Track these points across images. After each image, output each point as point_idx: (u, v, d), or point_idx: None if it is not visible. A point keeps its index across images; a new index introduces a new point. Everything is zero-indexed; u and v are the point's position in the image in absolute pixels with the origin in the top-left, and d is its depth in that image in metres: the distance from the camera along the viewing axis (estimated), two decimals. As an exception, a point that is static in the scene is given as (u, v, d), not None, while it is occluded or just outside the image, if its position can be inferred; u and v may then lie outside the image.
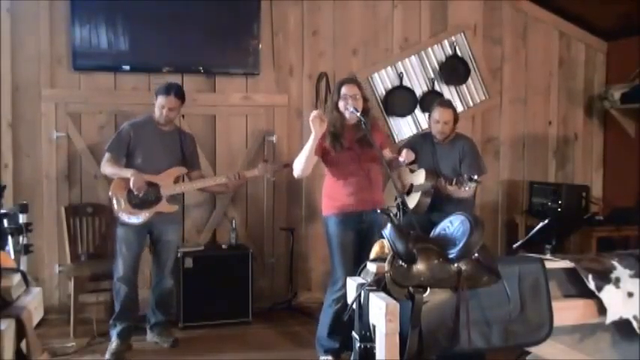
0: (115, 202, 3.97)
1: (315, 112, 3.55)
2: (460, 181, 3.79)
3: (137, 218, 3.96)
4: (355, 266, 3.70)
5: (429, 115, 4.36)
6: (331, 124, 3.66)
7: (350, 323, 2.45)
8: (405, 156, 3.68)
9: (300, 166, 3.68)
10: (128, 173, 3.93)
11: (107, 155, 4.06)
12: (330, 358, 3.75)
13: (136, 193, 3.91)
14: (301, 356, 3.97)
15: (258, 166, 4.29)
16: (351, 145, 3.71)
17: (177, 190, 4.13)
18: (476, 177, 3.76)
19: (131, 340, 4.06)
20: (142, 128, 4.07)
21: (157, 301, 4.22)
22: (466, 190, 3.86)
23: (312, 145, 3.57)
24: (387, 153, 3.85)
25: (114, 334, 3.98)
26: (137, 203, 3.96)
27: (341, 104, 3.66)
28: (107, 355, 3.89)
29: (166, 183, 4.03)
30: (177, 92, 4.05)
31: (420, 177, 4.16)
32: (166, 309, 4.26)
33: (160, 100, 4.02)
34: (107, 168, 4.05)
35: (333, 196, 3.75)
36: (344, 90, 3.68)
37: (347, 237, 3.70)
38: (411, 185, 4.23)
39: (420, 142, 4.38)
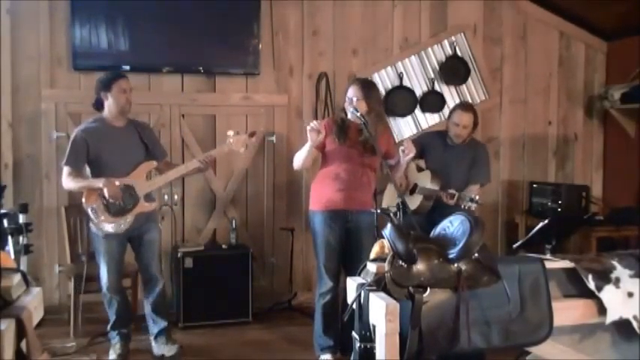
0: (92, 215, 3.75)
1: (313, 123, 3.60)
2: (462, 198, 3.84)
3: (121, 226, 3.77)
4: (341, 264, 3.75)
5: (449, 116, 4.31)
6: (340, 118, 3.78)
7: (350, 323, 2.45)
8: (407, 146, 3.62)
9: (299, 161, 3.78)
10: (100, 183, 3.70)
11: (66, 170, 3.79)
12: (329, 357, 3.76)
13: (113, 201, 3.72)
14: (301, 356, 3.97)
15: (226, 142, 3.94)
16: (354, 144, 3.73)
17: (154, 187, 3.94)
18: (477, 198, 3.80)
19: (131, 342, 4.04)
20: (97, 132, 3.82)
21: (153, 308, 4.03)
22: (466, 207, 3.88)
23: (309, 150, 3.67)
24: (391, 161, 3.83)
25: (114, 336, 3.96)
26: (116, 210, 3.76)
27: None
28: (112, 356, 3.88)
29: (139, 182, 3.84)
30: (124, 74, 3.96)
31: (425, 178, 4.15)
32: (165, 312, 4.10)
33: (119, 84, 3.79)
34: (71, 183, 3.80)
35: (320, 190, 3.78)
36: (348, 91, 3.75)
37: (332, 235, 3.73)
38: (415, 185, 4.23)
39: (433, 139, 4.36)
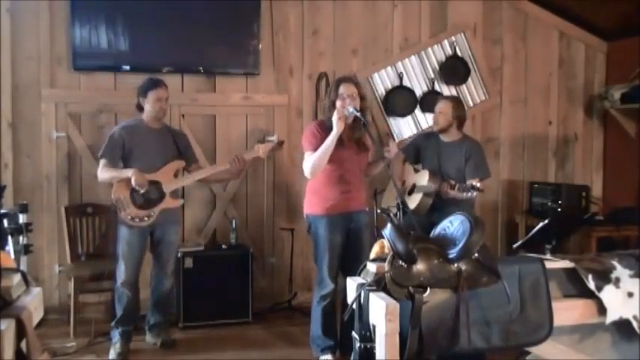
0: (119, 205, 3.91)
1: (337, 111, 3.57)
2: (462, 187, 3.81)
3: (144, 219, 3.92)
4: (340, 265, 3.76)
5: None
6: (329, 121, 3.67)
7: (350, 323, 2.45)
8: (391, 148, 3.77)
9: (318, 164, 3.61)
10: (128, 173, 3.89)
11: (103, 162, 3.99)
12: (329, 357, 3.77)
13: (138, 189, 3.87)
14: (301, 356, 3.97)
15: (254, 148, 4.10)
16: (349, 144, 3.72)
17: (180, 184, 4.11)
18: (478, 185, 3.77)
19: (132, 341, 4.06)
20: (134, 130, 4.02)
21: (155, 302, 4.20)
22: (467, 196, 3.86)
23: (334, 141, 3.56)
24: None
25: (116, 335, 3.98)
26: (142, 203, 3.92)
27: (338, 103, 3.65)
28: (112, 356, 3.90)
29: (167, 178, 4.00)
30: (164, 82, 4.07)
31: (423, 178, 4.16)
32: (165, 309, 4.24)
33: (154, 94, 3.98)
34: (105, 174, 3.99)
35: (323, 195, 3.74)
36: (342, 89, 3.69)
37: (336, 239, 3.73)
38: (414, 185, 4.23)
39: (426, 140, 4.37)
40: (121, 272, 3.97)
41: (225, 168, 4.06)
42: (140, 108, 4.07)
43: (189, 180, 4.15)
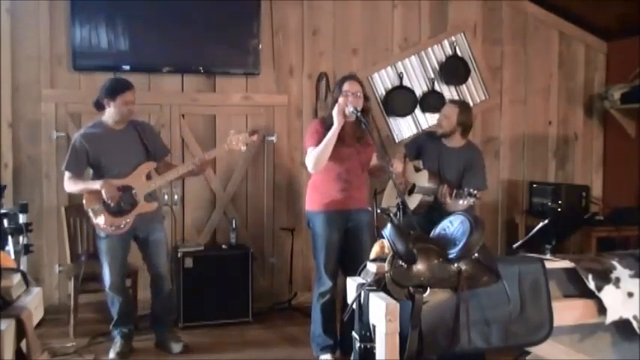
0: (93, 216, 3.80)
1: (341, 102, 3.57)
2: (459, 194, 3.80)
3: (121, 226, 3.80)
4: (339, 263, 3.76)
5: None
6: (330, 118, 3.67)
7: (350, 323, 2.45)
8: (395, 166, 3.78)
9: (320, 157, 3.60)
10: (97, 185, 3.75)
11: (67, 174, 3.86)
12: (329, 357, 3.77)
13: (109, 202, 3.75)
14: (301, 356, 3.97)
15: (228, 140, 3.91)
16: (351, 142, 3.72)
17: (152, 187, 3.93)
18: (475, 192, 3.76)
19: (133, 341, 4.05)
20: (96, 136, 3.84)
21: (159, 310, 4.10)
22: (463, 205, 3.82)
23: (334, 135, 3.56)
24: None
25: (116, 335, 3.99)
26: (116, 211, 3.79)
27: (341, 100, 3.64)
28: (112, 355, 3.89)
29: (139, 182, 3.85)
30: (132, 84, 3.90)
31: (422, 178, 4.15)
32: (170, 314, 4.20)
33: (124, 97, 3.80)
34: (72, 187, 3.87)
35: (322, 191, 3.74)
36: (346, 86, 3.69)
37: (333, 236, 3.72)
38: (413, 185, 4.23)
39: (429, 140, 4.34)
40: (107, 277, 3.89)
41: (189, 169, 3.93)
42: (99, 106, 3.88)
43: (161, 181, 3.97)
